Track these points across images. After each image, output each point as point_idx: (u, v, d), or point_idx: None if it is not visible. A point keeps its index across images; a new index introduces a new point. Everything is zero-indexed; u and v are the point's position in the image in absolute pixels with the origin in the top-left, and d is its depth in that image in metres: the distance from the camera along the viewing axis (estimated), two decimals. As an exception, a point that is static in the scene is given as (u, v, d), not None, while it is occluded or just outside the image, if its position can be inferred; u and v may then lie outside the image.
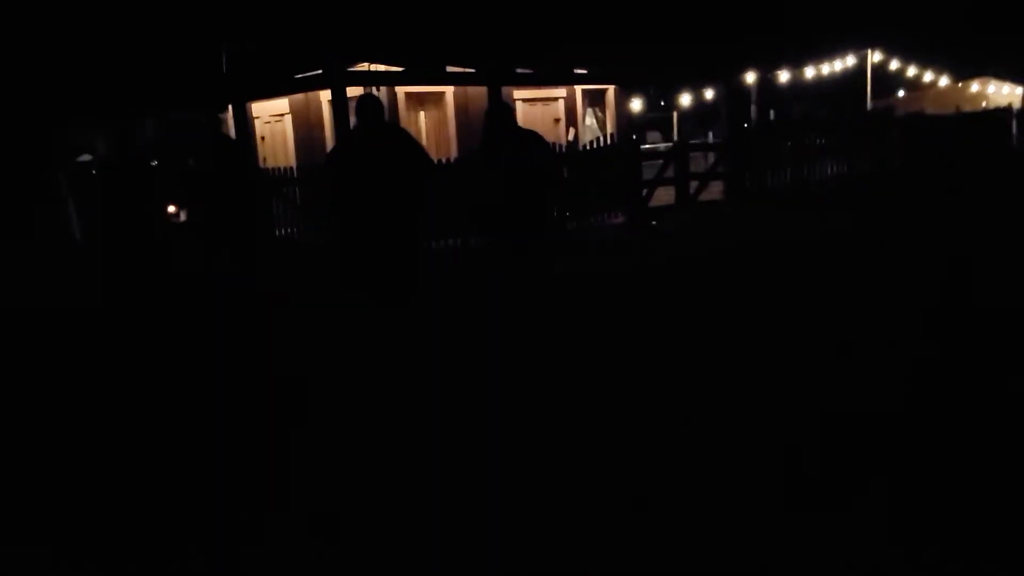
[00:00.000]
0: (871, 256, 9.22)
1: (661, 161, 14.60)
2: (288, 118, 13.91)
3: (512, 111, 6.42)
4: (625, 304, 7.60)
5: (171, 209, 11.94)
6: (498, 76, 11.15)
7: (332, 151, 6.15)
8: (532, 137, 6.30)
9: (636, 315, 7.14)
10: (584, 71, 14.07)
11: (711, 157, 17.28)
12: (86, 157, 24.30)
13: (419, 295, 6.33)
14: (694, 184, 13.87)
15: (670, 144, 18.33)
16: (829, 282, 7.85)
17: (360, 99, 6.14)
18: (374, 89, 11.50)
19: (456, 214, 9.86)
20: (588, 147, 12.83)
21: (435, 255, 10.12)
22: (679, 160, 13.65)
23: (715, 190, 14.58)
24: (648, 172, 13.77)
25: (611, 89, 15.99)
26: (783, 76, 24.29)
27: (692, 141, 17.75)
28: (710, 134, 26.81)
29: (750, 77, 22.11)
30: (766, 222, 12.39)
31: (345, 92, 9.40)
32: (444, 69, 11.42)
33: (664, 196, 13.79)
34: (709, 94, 25.63)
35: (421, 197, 6.06)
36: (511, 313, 6.34)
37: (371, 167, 5.87)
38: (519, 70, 12.79)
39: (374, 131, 5.97)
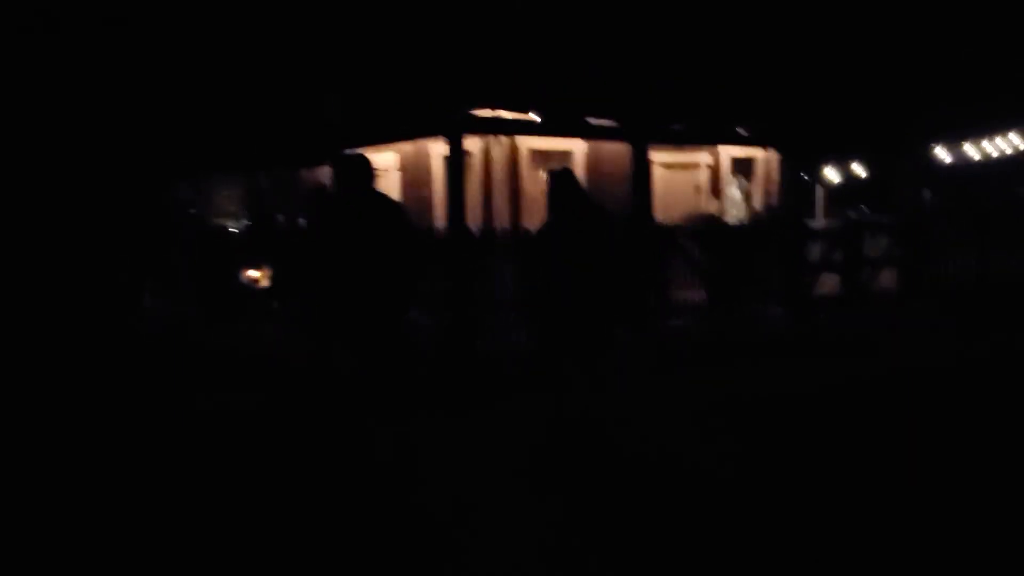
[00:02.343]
0: None
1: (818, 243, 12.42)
2: (395, 174, 12.32)
3: (574, 177, 5.50)
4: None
5: (252, 274, 10.51)
6: (646, 131, 9.22)
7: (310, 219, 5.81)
8: (600, 215, 5.42)
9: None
10: (744, 131, 11.93)
11: (875, 240, 14.87)
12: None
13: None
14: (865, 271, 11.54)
15: (832, 222, 15.94)
16: None
17: (344, 159, 5.38)
18: (493, 139, 9.73)
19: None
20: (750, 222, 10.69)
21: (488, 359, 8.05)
22: (849, 242, 11.35)
23: (885, 279, 12.18)
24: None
25: (760, 156, 13.85)
26: (948, 151, 21.66)
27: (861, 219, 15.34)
28: (860, 209, 24.06)
29: (919, 149, 19.58)
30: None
31: (461, 142, 7.62)
32: (584, 119, 9.56)
33: (827, 284, 11.52)
34: (859, 167, 23.07)
35: (403, 283, 5.29)
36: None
37: (345, 244, 5.14)
38: (672, 126, 10.77)
39: (357, 200, 5.25)
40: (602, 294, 5.23)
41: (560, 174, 5.42)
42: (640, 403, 6.32)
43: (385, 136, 11.06)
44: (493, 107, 9.63)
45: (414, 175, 11.81)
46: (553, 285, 5.24)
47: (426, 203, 11.45)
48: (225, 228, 13.17)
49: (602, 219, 5.44)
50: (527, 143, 10.79)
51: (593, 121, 9.74)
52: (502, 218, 10.59)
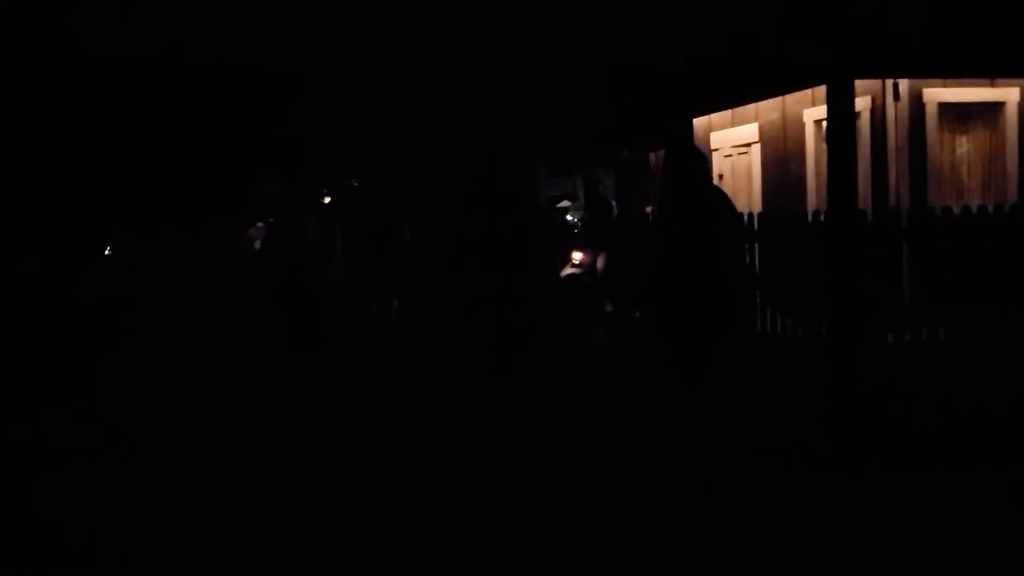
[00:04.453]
0: None
1: None
2: (756, 148, 10.33)
3: (705, 159, 5.20)
4: None
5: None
6: None
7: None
8: (721, 200, 4.92)
9: None
10: None
11: None
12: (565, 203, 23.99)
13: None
14: None
15: None
16: None
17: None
18: (887, 95, 7.28)
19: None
20: None
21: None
22: None
23: None
24: None
25: None
26: None
27: None
28: None
29: None
30: None
31: (852, 93, 5.35)
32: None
33: None
34: None
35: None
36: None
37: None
38: None
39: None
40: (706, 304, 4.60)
41: (685, 150, 5.09)
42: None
43: (742, 97, 9.12)
44: (891, 44, 7.15)
45: (779, 148, 9.72)
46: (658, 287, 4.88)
47: (795, 181, 9.34)
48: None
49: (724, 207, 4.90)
50: (935, 96, 8.14)
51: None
52: (899, 198, 8.15)
